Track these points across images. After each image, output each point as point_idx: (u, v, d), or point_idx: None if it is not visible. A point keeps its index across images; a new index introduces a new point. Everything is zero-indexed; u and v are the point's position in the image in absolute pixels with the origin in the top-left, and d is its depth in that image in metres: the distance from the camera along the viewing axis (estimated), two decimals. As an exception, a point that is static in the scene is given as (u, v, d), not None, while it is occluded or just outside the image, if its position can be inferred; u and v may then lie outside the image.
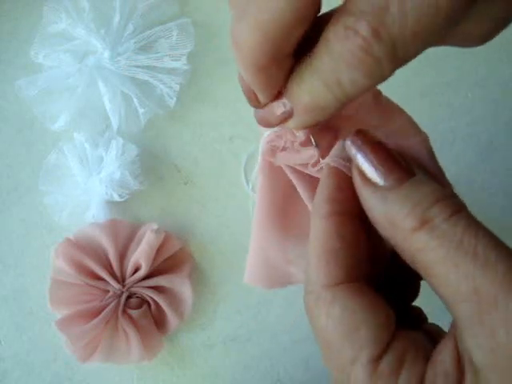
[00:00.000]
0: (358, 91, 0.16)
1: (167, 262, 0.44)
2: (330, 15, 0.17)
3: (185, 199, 0.46)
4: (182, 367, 0.45)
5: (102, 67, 0.44)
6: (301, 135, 0.24)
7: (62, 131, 0.44)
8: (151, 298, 0.42)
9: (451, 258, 0.16)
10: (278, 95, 0.19)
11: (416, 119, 0.23)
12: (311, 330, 0.20)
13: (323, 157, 0.23)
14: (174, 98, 0.44)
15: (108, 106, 0.43)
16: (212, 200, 0.46)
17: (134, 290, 0.42)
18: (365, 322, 0.18)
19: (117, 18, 0.44)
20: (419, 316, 0.23)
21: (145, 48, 0.45)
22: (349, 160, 0.20)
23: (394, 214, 0.18)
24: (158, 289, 0.43)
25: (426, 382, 0.17)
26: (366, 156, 0.19)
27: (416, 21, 0.14)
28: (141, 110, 0.44)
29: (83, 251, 0.41)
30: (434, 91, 0.48)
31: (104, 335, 0.41)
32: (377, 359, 0.17)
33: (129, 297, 0.42)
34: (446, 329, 0.19)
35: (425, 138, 0.22)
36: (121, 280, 0.42)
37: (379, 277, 0.21)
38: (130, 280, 0.42)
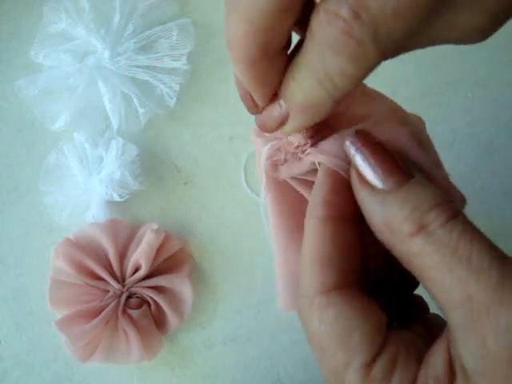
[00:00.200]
0: (347, 83, 0.16)
1: (167, 262, 0.44)
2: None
3: (185, 199, 0.46)
4: (182, 367, 0.45)
5: (102, 67, 0.44)
6: (300, 140, 0.23)
7: (62, 131, 0.44)
8: (151, 297, 0.42)
9: (446, 263, 0.16)
10: (275, 98, 0.19)
11: (416, 119, 0.23)
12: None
13: (313, 144, 0.22)
14: (174, 98, 0.44)
15: (108, 106, 0.43)
16: (212, 200, 0.46)
17: (134, 290, 0.42)
18: (358, 328, 0.18)
19: (117, 18, 0.44)
20: (420, 304, 0.23)
21: (145, 48, 0.45)
22: (345, 160, 0.20)
23: (391, 217, 0.18)
24: (158, 289, 0.43)
25: None
26: (364, 157, 0.19)
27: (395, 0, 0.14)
28: (141, 110, 0.44)
29: (83, 251, 0.41)
30: (434, 91, 0.48)
31: (104, 335, 0.41)
32: (369, 364, 0.18)
33: (129, 297, 0.42)
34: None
35: (412, 129, 0.21)
36: (121, 280, 0.42)
37: (376, 275, 0.21)
38: (130, 280, 0.42)
